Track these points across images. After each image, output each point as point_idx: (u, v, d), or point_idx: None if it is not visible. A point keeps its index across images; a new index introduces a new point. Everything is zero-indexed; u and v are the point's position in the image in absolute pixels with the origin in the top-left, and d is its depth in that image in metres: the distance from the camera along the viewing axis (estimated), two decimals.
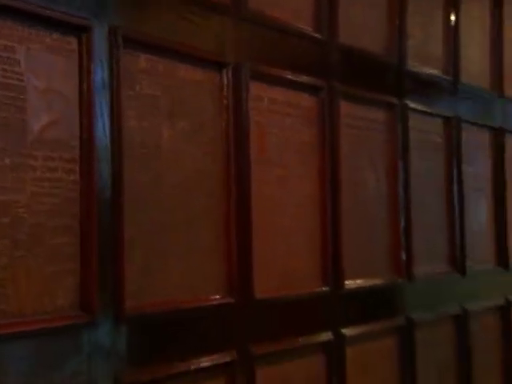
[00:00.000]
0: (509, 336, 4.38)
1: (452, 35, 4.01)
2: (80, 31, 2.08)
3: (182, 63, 2.48)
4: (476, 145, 4.26)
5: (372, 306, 3.38)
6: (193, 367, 2.46)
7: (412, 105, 3.67)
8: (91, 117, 2.10)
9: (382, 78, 3.54)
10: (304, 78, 3.04)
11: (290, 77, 2.97)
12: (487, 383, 4.20)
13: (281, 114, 2.95)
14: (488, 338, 4.23)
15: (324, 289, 3.09)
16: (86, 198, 2.11)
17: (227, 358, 2.59)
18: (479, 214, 4.24)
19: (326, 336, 3.07)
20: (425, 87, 3.83)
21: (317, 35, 3.09)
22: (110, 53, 2.16)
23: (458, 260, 3.97)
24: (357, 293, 3.27)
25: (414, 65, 3.71)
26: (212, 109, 2.62)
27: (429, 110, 3.83)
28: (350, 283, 3.21)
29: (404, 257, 3.55)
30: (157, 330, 2.36)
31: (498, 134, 4.42)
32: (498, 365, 4.30)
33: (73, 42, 2.08)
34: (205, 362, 2.51)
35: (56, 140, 2.04)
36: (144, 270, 2.32)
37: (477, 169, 4.25)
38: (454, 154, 4.00)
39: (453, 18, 4.01)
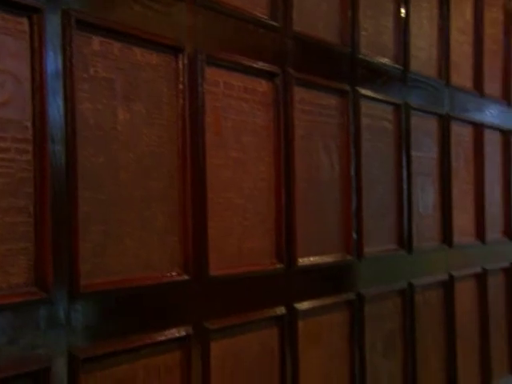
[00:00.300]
0: (452, 308, 4.31)
1: (402, 26, 3.90)
2: (31, 12, 1.95)
3: (137, 47, 2.35)
4: (424, 131, 4.17)
5: (324, 282, 3.29)
6: (148, 341, 2.37)
7: (364, 92, 3.57)
8: (44, 98, 1.97)
9: (335, 65, 3.43)
10: (259, 64, 2.93)
11: (245, 63, 2.85)
12: (431, 353, 4.13)
13: (237, 99, 2.84)
14: (432, 310, 4.17)
15: (278, 266, 2.99)
16: (40, 178, 1.99)
17: (182, 333, 2.49)
18: (426, 196, 4.16)
19: (280, 310, 2.97)
20: (376, 75, 3.72)
21: (272, 23, 2.97)
22: (63, 35, 2.03)
23: (405, 239, 3.88)
24: (309, 270, 3.18)
25: (366, 54, 3.60)
26: (168, 93, 2.50)
27: (380, 97, 3.73)
28: (303, 261, 3.12)
29: (355, 236, 3.46)
30: (112, 306, 2.26)
31: (445, 121, 4.33)
32: (441, 335, 4.23)
33: (24, 23, 1.95)
34: (160, 336, 2.41)
35: (8, 120, 1.92)
36: (99, 248, 2.21)
37: (425, 154, 4.16)
38: (403, 139, 3.90)
39: (403, 10, 3.90)
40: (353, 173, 3.46)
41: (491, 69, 4.93)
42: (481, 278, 4.70)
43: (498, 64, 5.06)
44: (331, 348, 3.31)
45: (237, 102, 2.84)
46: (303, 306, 3.09)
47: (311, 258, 3.18)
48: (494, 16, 4.97)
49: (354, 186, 3.46)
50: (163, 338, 2.42)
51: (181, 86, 2.53)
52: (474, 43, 4.70)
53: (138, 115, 2.36)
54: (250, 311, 2.83)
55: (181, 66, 2.52)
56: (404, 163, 3.90)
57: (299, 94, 3.15)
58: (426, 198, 4.15)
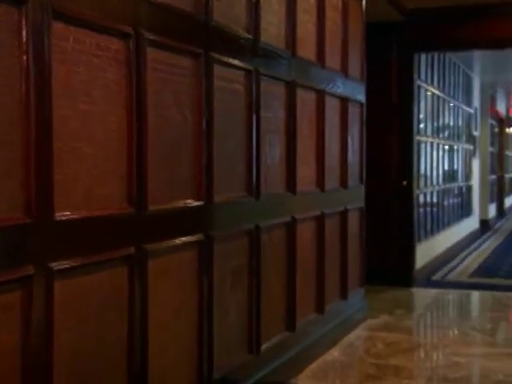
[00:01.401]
0: (294, 245, 4.02)
1: (253, 2, 3.51)
2: None
3: None
4: (273, 95, 3.81)
5: (175, 224, 2.91)
6: None
7: (216, 56, 3.16)
8: None
9: (189, 30, 3.00)
10: (112, 24, 2.48)
11: (97, 21, 2.40)
12: (274, 284, 3.84)
13: (88, 55, 2.39)
14: (277, 247, 3.86)
15: (129, 210, 2.58)
16: None
17: (25, 273, 2.07)
18: (273, 150, 3.81)
19: (129, 251, 2.57)
20: (228, 42, 3.31)
21: None
22: None
23: (253, 187, 3.54)
24: (161, 214, 2.79)
25: (219, 22, 3.20)
26: (11, 43, 2.03)
27: (232, 62, 3.33)
28: (154, 206, 2.72)
29: (205, 183, 3.09)
30: None
31: (291, 87, 3.98)
32: (283, 268, 3.94)
33: None
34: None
35: None
36: None
37: (273, 114, 3.81)
38: (253, 101, 3.53)
39: None
40: (204, 127, 3.07)
41: (332, 46, 4.61)
42: (319, 220, 4.43)
43: (337, 42, 4.74)
44: (181, 284, 2.94)
45: (88, 57, 2.39)
46: (153, 246, 2.71)
47: (162, 203, 2.79)
48: (334, 2, 4.64)
49: (205, 139, 3.08)
50: (4, 278, 2.00)
51: (24, 38, 2.06)
52: (317, 23, 4.36)
53: None
54: (100, 253, 2.42)
55: (24, 17, 2.06)
56: (254, 121, 3.54)
57: (153, 54, 2.72)
58: (273, 152, 3.81)
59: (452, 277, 7.44)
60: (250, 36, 3.50)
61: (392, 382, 3.89)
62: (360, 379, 3.94)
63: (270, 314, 3.75)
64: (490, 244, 10.49)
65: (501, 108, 15.52)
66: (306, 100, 4.23)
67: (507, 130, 17.37)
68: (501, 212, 15.28)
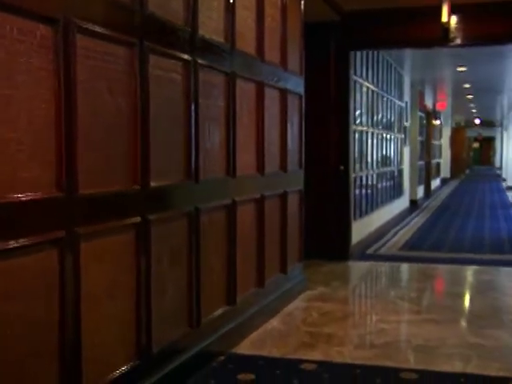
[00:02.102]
0: (234, 226, 3.74)
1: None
2: None
3: None
4: (213, 84, 3.49)
5: (110, 208, 2.60)
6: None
7: (152, 46, 2.84)
8: None
9: (124, 20, 2.68)
10: (38, 9, 2.15)
11: (20, 4, 2.06)
12: (215, 261, 3.56)
13: (9, 39, 2.05)
14: (217, 228, 3.57)
15: (57, 195, 2.26)
16: None
17: None
18: (213, 136, 3.52)
19: (59, 234, 2.26)
20: (167, 34, 3.00)
21: None
22: None
23: (192, 172, 3.24)
24: (93, 198, 2.47)
25: (156, 14, 2.88)
26: None
27: (169, 52, 3.01)
28: (86, 190, 2.40)
29: (141, 168, 2.78)
30: None
31: (230, 77, 3.67)
32: (224, 247, 3.66)
33: None
34: None
35: None
36: None
37: (213, 102, 3.50)
38: (191, 90, 3.21)
39: None
40: (140, 114, 2.75)
41: (271, 41, 4.31)
42: (259, 202, 4.15)
43: (276, 38, 4.44)
44: (117, 265, 2.64)
45: (9, 41, 2.05)
46: (86, 229, 2.40)
47: (95, 188, 2.47)
48: (273, 0, 4.33)
49: (140, 125, 2.76)
50: None
51: None
52: (256, 19, 4.05)
53: None
54: (26, 236, 2.10)
55: None
56: (192, 109, 3.23)
57: (84, 41, 2.39)
58: (212, 138, 3.51)
59: (384, 250, 7.26)
60: (188, 28, 3.18)
61: (323, 348, 3.65)
62: (295, 347, 3.69)
63: (211, 289, 3.47)
64: (417, 221, 10.38)
65: (428, 102, 15.53)
66: (245, 90, 3.93)
67: (434, 121, 17.43)
68: (428, 193, 15.35)
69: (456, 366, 3.33)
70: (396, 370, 3.27)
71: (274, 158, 4.45)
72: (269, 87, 4.26)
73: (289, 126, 4.70)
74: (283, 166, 4.60)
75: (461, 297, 4.92)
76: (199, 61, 3.28)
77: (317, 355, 3.52)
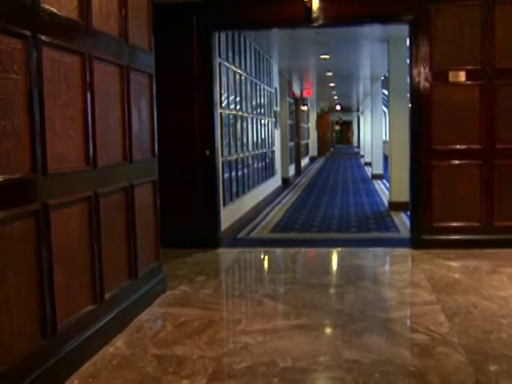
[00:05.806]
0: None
1: None
2: None
3: None
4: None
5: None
6: None
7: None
8: None
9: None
10: None
11: None
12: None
13: None
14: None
15: None
16: None
17: None
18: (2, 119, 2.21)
19: None
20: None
21: None
22: None
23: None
24: None
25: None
26: None
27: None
28: None
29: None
30: None
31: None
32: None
33: None
34: None
35: None
36: None
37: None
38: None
39: None
40: None
41: (105, 8, 3.00)
42: (90, 202, 2.86)
43: (113, 5, 3.13)
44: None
45: None
46: None
47: None
48: None
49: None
50: None
51: None
52: None
53: None
54: None
55: None
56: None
57: None
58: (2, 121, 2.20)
59: (255, 233, 6.24)
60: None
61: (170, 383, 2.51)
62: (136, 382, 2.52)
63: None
64: (289, 198, 9.54)
65: (297, 90, 14.92)
66: (62, 63, 2.58)
67: (302, 107, 16.96)
68: (298, 170, 14.84)
69: None
70: None
71: (114, 146, 3.18)
72: (100, 61, 2.95)
73: (134, 109, 3.43)
74: (127, 156, 3.34)
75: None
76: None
77: None
